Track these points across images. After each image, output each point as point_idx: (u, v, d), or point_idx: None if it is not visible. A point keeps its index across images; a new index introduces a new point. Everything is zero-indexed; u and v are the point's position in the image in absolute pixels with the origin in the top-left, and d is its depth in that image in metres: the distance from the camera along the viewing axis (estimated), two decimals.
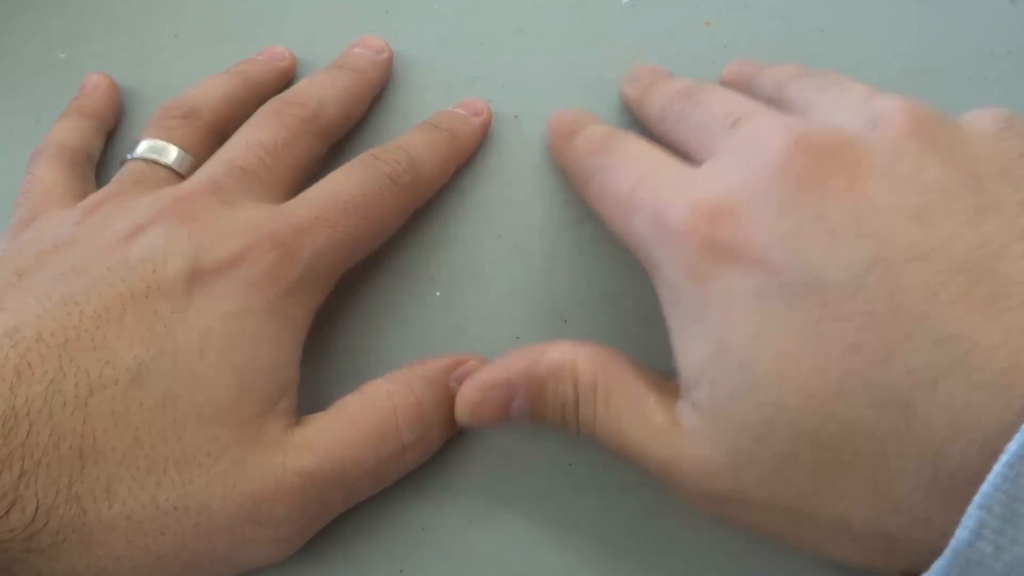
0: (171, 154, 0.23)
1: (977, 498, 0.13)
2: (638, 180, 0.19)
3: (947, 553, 0.13)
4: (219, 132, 0.24)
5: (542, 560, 0.21)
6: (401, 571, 0.21)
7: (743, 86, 0.24)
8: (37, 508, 0.16)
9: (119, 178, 0.23)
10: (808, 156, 0.16)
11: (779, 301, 0.16)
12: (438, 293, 0.24)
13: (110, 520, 0.17)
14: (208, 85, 0.25)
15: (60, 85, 0.29)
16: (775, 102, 0.21)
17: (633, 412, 0.18)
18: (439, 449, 0.22)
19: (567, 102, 0.26)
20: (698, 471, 0.17)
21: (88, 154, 0.26)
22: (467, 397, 0.20)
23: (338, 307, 0.24)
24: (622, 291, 0.24)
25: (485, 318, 0.24)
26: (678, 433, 0.17)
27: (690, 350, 0.17)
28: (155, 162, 0.23)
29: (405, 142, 0.24)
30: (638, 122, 0.25)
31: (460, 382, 0.21)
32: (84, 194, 0.24)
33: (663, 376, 0.19)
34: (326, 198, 0.21)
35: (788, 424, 0.15)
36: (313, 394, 0.22)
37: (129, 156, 0.23)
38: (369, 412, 0.20)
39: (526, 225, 0.25)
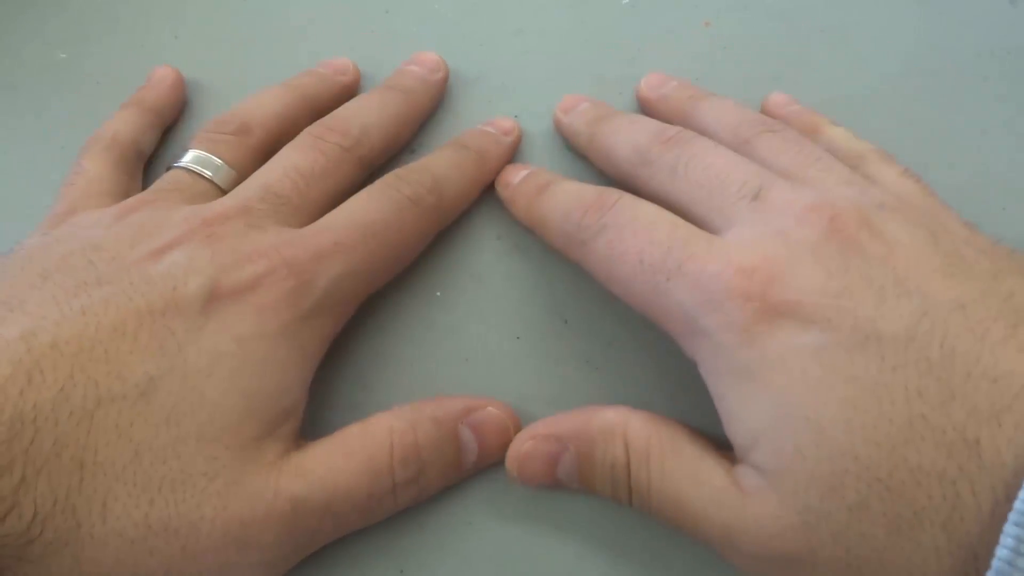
0: (215, 168, 0.23)
1: (1012, 515, 0.13)
2: (669, 245, 0.19)
3: (991, 572, 0.14)
4: (267, 149, 0.24)
5: (542, 560, 0.21)
6: (401, 571, 0.21)
7: (676, 113, 0.24)
8: (34, 516, 0.16)
9: (159, 184, 0.23)
10: (845, 228, 0.18)
11: (838, 355, 0.16)
12: (438, 293, 0.24)
13: (102, 536, 0.17)
14: (263, 100, 0.25)
15: (60, 85, 0.29)
16: (754, 158, 0.21)
17: (690, 475, 0.18)
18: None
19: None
20: (765, 532, 0.17)
21: (139, 150, 0.26)
22: (517, 447, 0.20)
23: None
24: None
25: (485, 318, 0.24)
26: (740, 495, 0.17)
27: (747, 411, 0.17)
28: (198, 174, 0.23)
29: (431, 163, 0.24)
30: (579, 151, 0.25)
31: (472, 428, 0.21)
32: (127, 190, 0.24)
33: (715, 442, 0.19)
34: (345, 223, 0.21)
35: (859, 473, 0.15)
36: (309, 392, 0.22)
37: (174, 164, 0.24)
38: (366, 445, 0.20)
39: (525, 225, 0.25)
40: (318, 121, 0.24)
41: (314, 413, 0.22)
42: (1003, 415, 0.15)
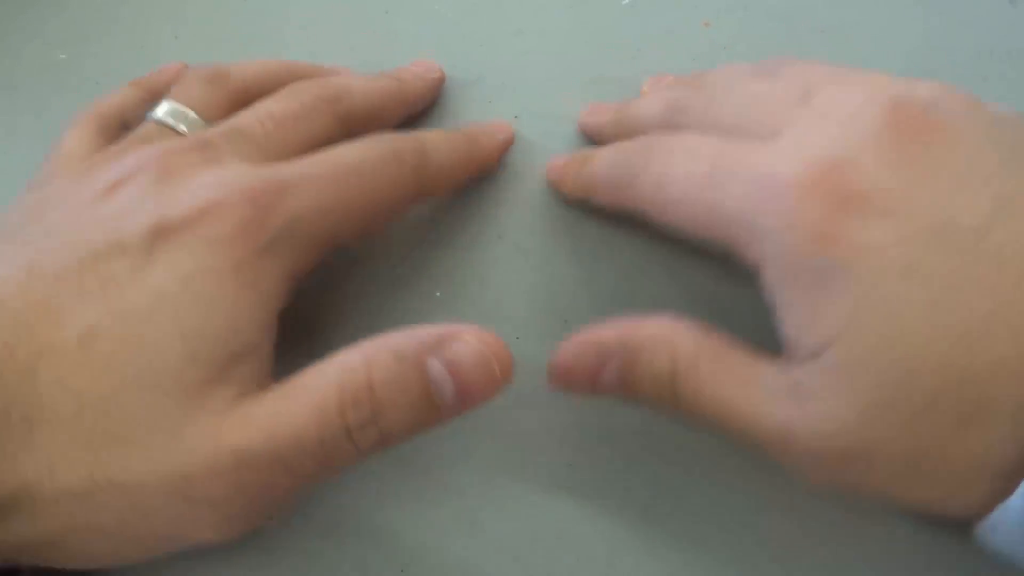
0: (187, 121, 0.22)
1: None
2: (714, 158, 0.18)
3: None
4: (246, 102, 0.23)
5: (542, 561, 0.21)
6: (401, 571, 0.21)
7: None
8: None
9: (129, 138, 0.22)
10: (910, 115, 0.17)
11: (917, 248, 0.16)
12: (438, 293, 0.24)
13: (52, 494, 0.16)
14: (248, 60, 0.25)
15: (60, 85, 0.29)
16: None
17: (741, 379, 0.18)
18: (439, 448, 0.22)
19: (567, 102, 0.26)
20: (826, 430, 0.16)
21: (123, 120, 0.25)
22: (560, 356, 0.20)
23: (338, 307, 0.24)
24: (622, 291, 0.24)
25: (485, 318, 0.24)
26: (798, 395, 0.17)
27: (820, 314, 0.16)
28: (171, 128, 0.22)
29: (421, 132, 0.23)
30: (605, 141, 0.25)
31: (447, 365, 0.17)
32: None
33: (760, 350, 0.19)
34: (319, 160, 0.20)
35: (935, 369, 0.15)
36: None
37: (148, 116, 0.23)
38: (317, 386, 0.17)
39: (526, 225, 0.25)
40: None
41: None
42: None
